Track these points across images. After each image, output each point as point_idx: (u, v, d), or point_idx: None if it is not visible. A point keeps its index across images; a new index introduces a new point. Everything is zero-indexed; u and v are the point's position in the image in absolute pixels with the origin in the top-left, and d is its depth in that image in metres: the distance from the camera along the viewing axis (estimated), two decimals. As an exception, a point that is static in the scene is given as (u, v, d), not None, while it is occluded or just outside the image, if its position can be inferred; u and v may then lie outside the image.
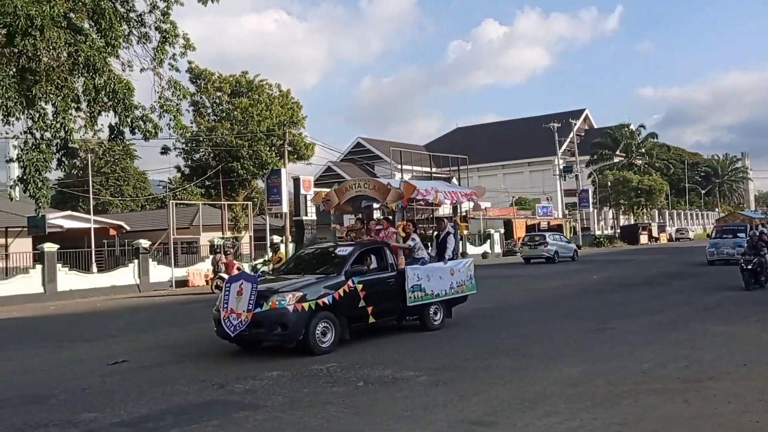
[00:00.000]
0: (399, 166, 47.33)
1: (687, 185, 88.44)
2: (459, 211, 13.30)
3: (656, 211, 74.33)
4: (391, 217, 12.90)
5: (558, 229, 55.01)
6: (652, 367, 8.23)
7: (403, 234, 11.76)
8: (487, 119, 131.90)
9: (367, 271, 10.68)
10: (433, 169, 50.90)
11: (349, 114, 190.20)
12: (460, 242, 12.72)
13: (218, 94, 38.21)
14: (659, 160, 74.04)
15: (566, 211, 65.72)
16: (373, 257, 11.05)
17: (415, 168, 52.48)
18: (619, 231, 65.59)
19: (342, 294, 10.00)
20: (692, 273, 23.55)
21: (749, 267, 16.90)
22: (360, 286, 10.29)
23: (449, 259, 12.03)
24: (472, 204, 12.89)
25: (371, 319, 10.60)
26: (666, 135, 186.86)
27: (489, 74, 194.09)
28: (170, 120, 16.07)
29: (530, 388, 7.34)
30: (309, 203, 35.29)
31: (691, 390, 7.02)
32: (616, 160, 70.88)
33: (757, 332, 10.69)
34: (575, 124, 65.66)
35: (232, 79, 38.40)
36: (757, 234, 18.78)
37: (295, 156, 37.94)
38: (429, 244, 12.51)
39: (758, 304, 14.16)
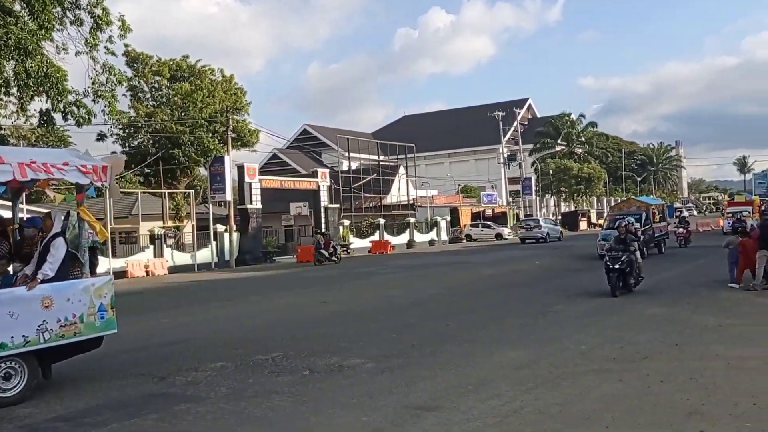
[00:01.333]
0: (346, 154, 47.19)
1: (624, 173, 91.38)
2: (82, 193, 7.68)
3: (595, 198, 76.64)
4: None
5: (503, 216, 56.32)
6: (590, 348, 8.51)
7: None
8: (435, 107, 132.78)
9: None
10: (381, 157, 50.97)
11: (296, 101, 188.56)
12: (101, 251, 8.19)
13: (157, 78, 37.08)
14: (598, 149, 76.37)
15: (510, 199, 67.02)
16: None
17: (363, 156, 52.42)
18: (560, 218, 67.37)
19: None
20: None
21: (617, 266, 13.49)
22: None
23: (45, 280, 7.10)
24: (89, 183, 7.48)
25: None
26: (605, 124, 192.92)
27: (436, 63, 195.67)
28: (105, 106, 15.52)
29: (475, 372, 7.46)
30: (254, 191, 34.84)
31: (626, 370, 7.28)
32: (557, 148, 72.71)
33: (688, 314, 11.17)
34: (519, 113, 66.88)
35: (172, 63, 37.29)
36: (624, 225, 14.81)
37: (240, 143, 37.29)
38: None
39: (692, 287, 14.76)
